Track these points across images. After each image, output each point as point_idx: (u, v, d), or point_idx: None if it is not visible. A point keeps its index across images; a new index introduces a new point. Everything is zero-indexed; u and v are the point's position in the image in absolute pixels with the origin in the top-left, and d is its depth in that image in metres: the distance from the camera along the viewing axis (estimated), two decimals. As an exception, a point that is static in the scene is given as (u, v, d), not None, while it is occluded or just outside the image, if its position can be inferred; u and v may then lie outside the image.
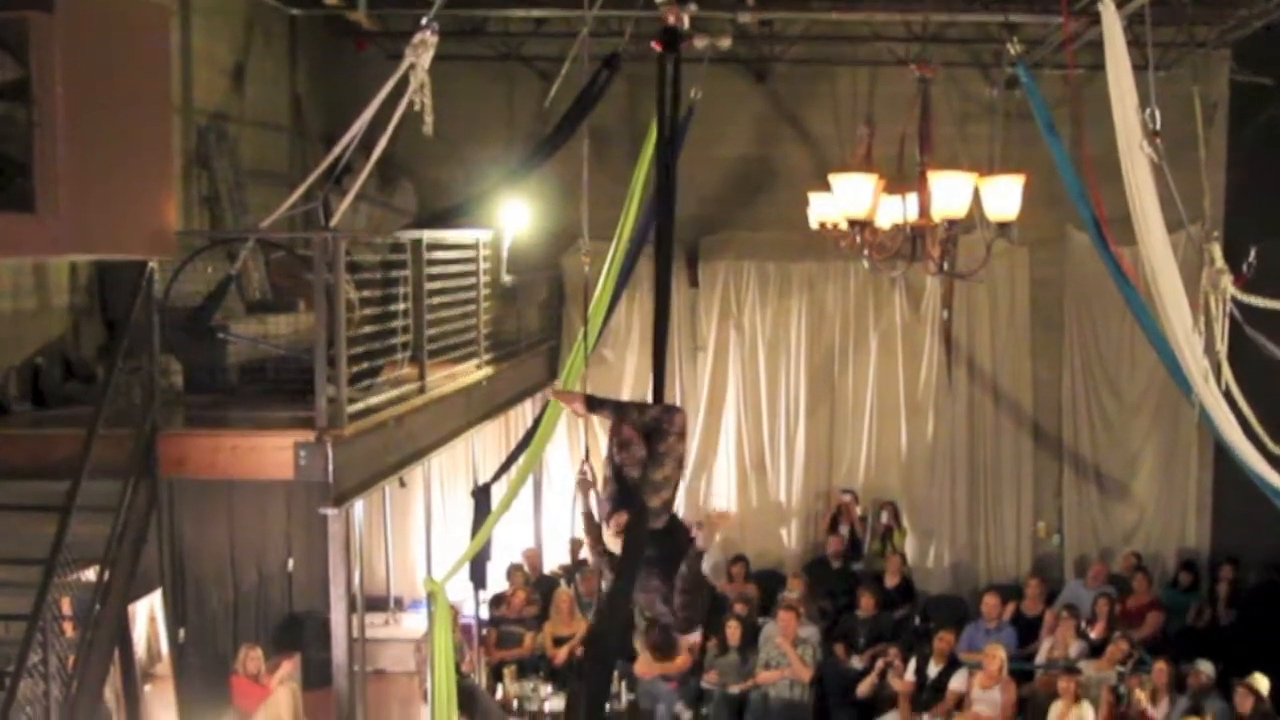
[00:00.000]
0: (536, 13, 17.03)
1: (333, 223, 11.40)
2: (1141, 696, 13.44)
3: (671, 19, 9.79)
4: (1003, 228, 10.86)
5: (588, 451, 11.99)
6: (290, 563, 17.36)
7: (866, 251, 11.48)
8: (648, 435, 9.40)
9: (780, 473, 19.47)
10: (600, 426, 18.63)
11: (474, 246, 14.41)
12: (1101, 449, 19.06)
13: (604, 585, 10.13)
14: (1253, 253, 10.48)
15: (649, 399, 11.42)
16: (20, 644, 8.62)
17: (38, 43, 7.86)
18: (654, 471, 9.32)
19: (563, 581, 17.78)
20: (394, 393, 12.00)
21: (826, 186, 11.40)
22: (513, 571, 17.57)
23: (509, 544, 17.93)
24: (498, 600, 17.17)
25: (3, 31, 7.88)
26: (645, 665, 15.21)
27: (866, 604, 16.91)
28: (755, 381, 19.30)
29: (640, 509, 9.30)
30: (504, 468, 13.85)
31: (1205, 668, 14.39)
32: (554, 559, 18.94)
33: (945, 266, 11.57)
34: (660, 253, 10.18)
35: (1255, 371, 11.01)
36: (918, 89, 11.48)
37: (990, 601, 16.46)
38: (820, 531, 18.97)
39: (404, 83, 9.45)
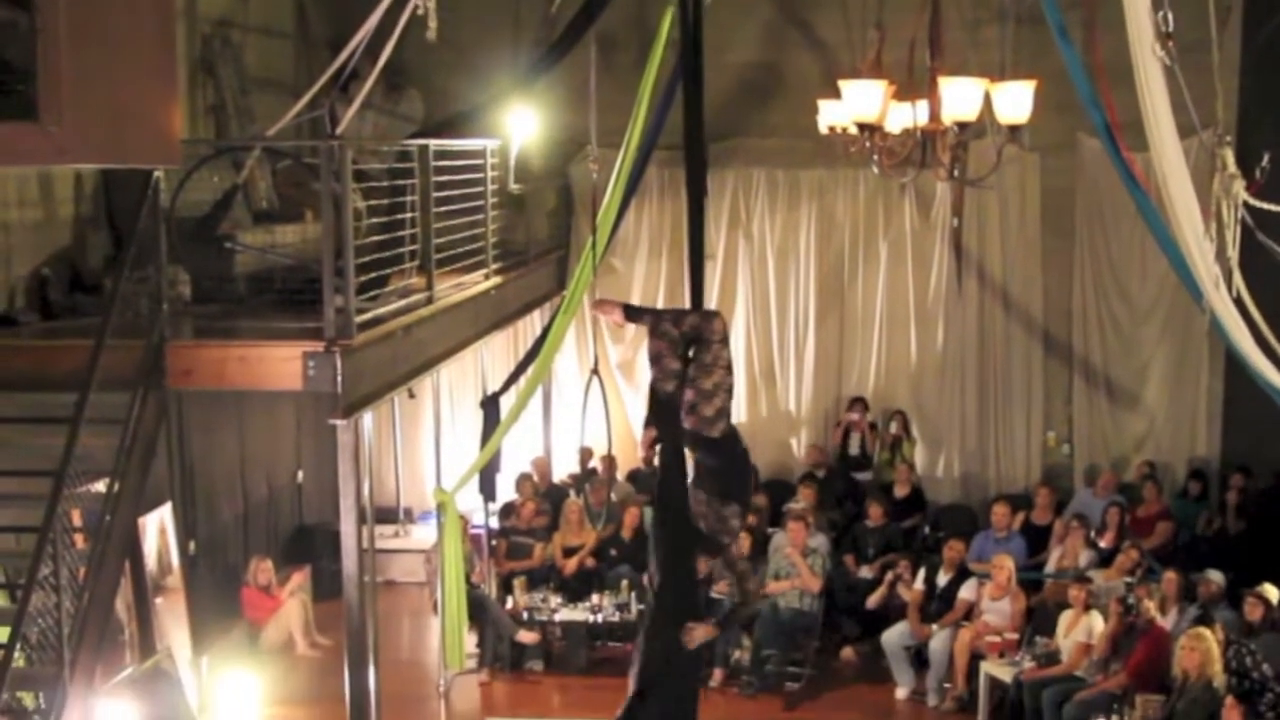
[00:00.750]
0: (543, -85, 16.88)
1: (339, 131, 11.36)
2: (1150, 606, 13.45)
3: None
4: (1013, 131, 10.78)
5: (596, 361, 11.97)
6: (300, 474, 17.43)
7: (876, 157, 11.40)
8: (689, 345, 9.38)
9: (789, 382, 19.44)
10: (612, 337, 18.75)
11: (481, 155, 14.35)
12: (1112, 357, 18.98)
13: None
14: (1265, 158, 10.39)
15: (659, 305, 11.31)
16: (31, 556, 8.64)
17: (38, -52, 7.79)
18: (704, 380, 9.36)
19: (572, 492, 17.80)
20: (402, 302, 11.98)
21: (836, 93, 11.30)
22: (521, 481, 17.58)
23: (518, 454, 17.95)
24: (507, 511, 17.20)
25: (3, -63, 7.81)
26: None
27: (875, 514, 16.91)
28: (764, 290, 19.24)
29: (669, 425, 9.33)
30: (513, 378, 13.84)
31: (1215, 577, 14.39)
32: (563, 469, 18.96)
33: (955, 172, 11.50)
34: (691, 157, 10.10)
35: (1267, 278, 10.94)
36: (928, -8, 11.36)
37: (1000, 511, 16.44)
38: (831, 442, 18.95)
39: (410, -13, 9.38)
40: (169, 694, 12.38)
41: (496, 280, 14.82)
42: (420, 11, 9.36)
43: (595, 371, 11.16)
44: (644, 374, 19.24)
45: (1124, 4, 9.36)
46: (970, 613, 14.76)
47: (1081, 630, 13.67)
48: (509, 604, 15.68)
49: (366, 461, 11.26)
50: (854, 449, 18.72)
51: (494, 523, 16.56)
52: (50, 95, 7.91)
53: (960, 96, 10.43)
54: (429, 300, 12.53)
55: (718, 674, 15.07)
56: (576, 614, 15.47)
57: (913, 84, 11.11)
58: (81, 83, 8.05)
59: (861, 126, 10.92)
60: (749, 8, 18.55)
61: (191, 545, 14.25)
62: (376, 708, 11.24)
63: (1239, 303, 10.45)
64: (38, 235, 12.29)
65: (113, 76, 8.48)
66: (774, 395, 19.46)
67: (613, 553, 16.31)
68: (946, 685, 14.64)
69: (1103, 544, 15.99)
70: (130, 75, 8.73)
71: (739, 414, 19.12)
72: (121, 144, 8.89)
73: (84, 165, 11.65)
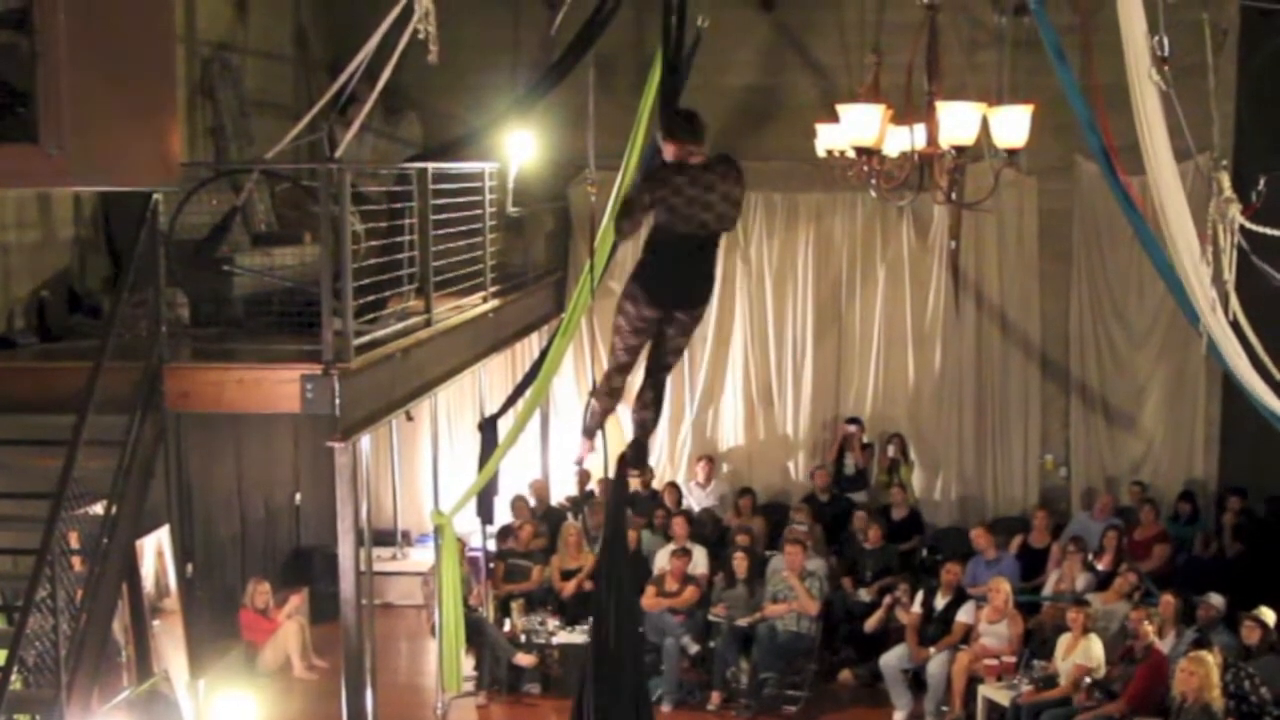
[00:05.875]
0: (542, -61, 16.95)
1: (338, 154, 11.38)
2: (1149, 629, 13.46)
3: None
4: (1011, 155, 10.81)
5: (594, 383, 11.98)
6: (297, 496, 17.43)
7: (874, 180, 11.43)
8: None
9: (787, 405, 19.44)
10: (609, 359, 18.76)
11: (480, 178, 14.38)
12: (1109, 380, 19.01)
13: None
14: (1261, 182, 10.40)
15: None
16: (29, 578, 8.64)
17: (39, -29, 7.81)
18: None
19: (570, 514, 17.80)
20: (400, 325, 12.00)
21: (834, 116, 11.33)
22: (515, 502, 17.57)
23: (516, 477, 17.95)
24: (505, 533, 17.19)
25: (4, -40, 7.83)
26: (651, 599, 15.27)
27: (873, 536, 16.91)
28: (762, 313, 19.26)
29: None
30: (511, 400, 13.86)
31: (1215, 600, 14.39)
32: (561, 491, 18.96)
33: (953, 196, 11.53)
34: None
35: (1263, 302, 10.94)
36: (925, 17, 11.38)
37: (979, 534, 16.47)
38: (826, 458, 18.96)
39: (408, 11, 9.40)
40: (166, 716, 12.37)
41: (495, 303, 14.85)
42: (420, 35, 9.37)
43: (594, 394, 11.17)
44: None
45: (1121, 28, 9.39)
46: (968, 635, 14.76)
47: (1080, 653, 13.66)
48: (507, 627, 15.68)
49: (364, 484, 11.28)
50: (849, 468, 18.73)
51: (492, 545, 16.54)
52: (50, 118, 7.92)
53: (958, 120, 10.46)
54: (427, 323, 12.55)
55: (715, 696, 15.10)
56: (574, 637, 15.43)
57: (910, 108, 11.13)
58: (82, 105, 8.06)
59: (859, 150, 10.94)
60: (747, 31, 18.59)
61: (189, 567, 14.24)
62: (374, 730, 11.26)
63: (1235, 326, 10.45)
64: (37, 257, 12.31)
65: (113, 99, 8.50)
66: (771, 418, 19.46)
67: (610, 575, 16.28)
68: (944, 708, 14.63)
69: (1100, 566, 16.01)
70: (130, 98, 8.74)
71: (737, 437, 19.19)
72: (121, 167, 8.91)
73: (84, 188, 11.66)
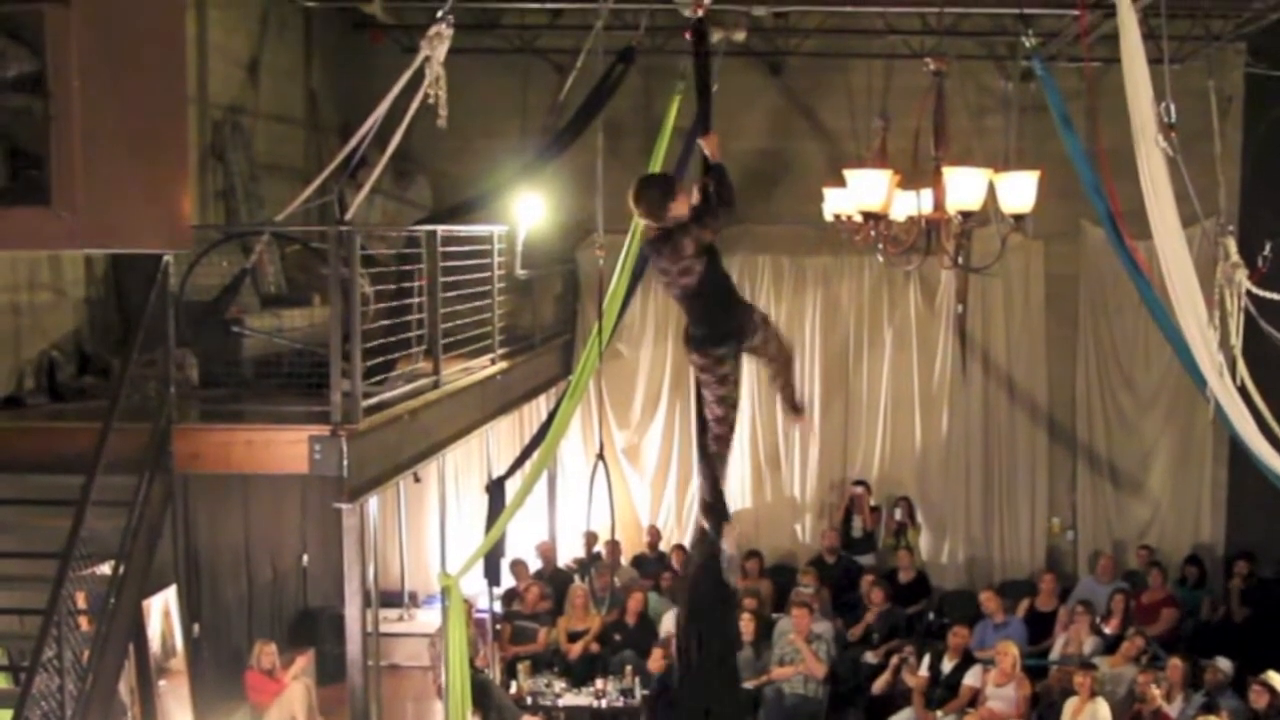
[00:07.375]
0: (551, 5, 17.04)
1: (348, 216, 11.41)
2: (1156, 694, 13.43)
3: (688, 13, 9.80)
4: (1017, 220, 10.85)
5: (602, 446, 11.99)
6: (305, 558, 17.38)
7: (881, 245, 11.46)
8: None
9: (794, 468, 19.47)
10: (616, 421, 18.77)
11: (488, 240, 14.42)
12: (1116, 444, 19.05)
13: None
14: (1268, 246, 10.46)
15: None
16: (36, 638, 8.63)
17: (54, 35, 7.85)
18: None
19: (577, 576, 17.78)
20: (408, 387, 12.00)
21: (841, 180, 11.38)
22: (515, 566, 17.56)
23: (523, 539, 17.93)
24: (511, 595, 17.17)
25: (19, 24, 7.87)
26: (658, 661, 15.23)
27: (879, 599, 16.89)
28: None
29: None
30: (518, 462, 13.85)
31: (1223, 665, 14.37)
32: (568, 553, 18.94)
33: (960, 260, 11.55)
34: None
35: (1270, 366, 10.98)
36: (932, 82, 11.44)
37: (987, 597, 16.48)
38: (835, 526, 18.94)
39: (419, 76, 9.46)
40: (171, 778, 12.34)
41: (502, 365, 14.86)
42: (430, 100, 9.42)
43: (601, 456, 11.20)
44: (649, 459, 19.35)
45: (1127, 94, 9.44)
46: (975, 699, 14.72)
47: (1087, 717, 13.63)
48: (513, 688, 15.64)
49: (371, 545, 11.27)
50: (856, 531, 18.71)
51: (498, 607, 16.52)
52: (63, 181, 7.95)
53: (964, 186, 10.49)
54: (435, 385, 12.55)
55: (723, 759, 15.04)
56: (580, 699, 15.42)
57: (917, 172, 11.17)
58: (94, 168, 8.10)
59: (866, 214, 10.98)
60: (755, 95, 18.71)
61: (196, 628, 14.20)
62: (380, 793, 11.22)
63: (1243, 391, 10.47)
64: (47, 318, 12.34)
65: (125, 162, 8.54)
66: (779, 481, 19.48)
67: (617, 638, 16.29)
68: (952, 773, 14.60)
69: (1108, 630, 15.98)
70: (142, 161, 8.78)
71: (744, 499, 19.17)
72: (132, 229, 8.93)
73: (95, 250, 11.71)
